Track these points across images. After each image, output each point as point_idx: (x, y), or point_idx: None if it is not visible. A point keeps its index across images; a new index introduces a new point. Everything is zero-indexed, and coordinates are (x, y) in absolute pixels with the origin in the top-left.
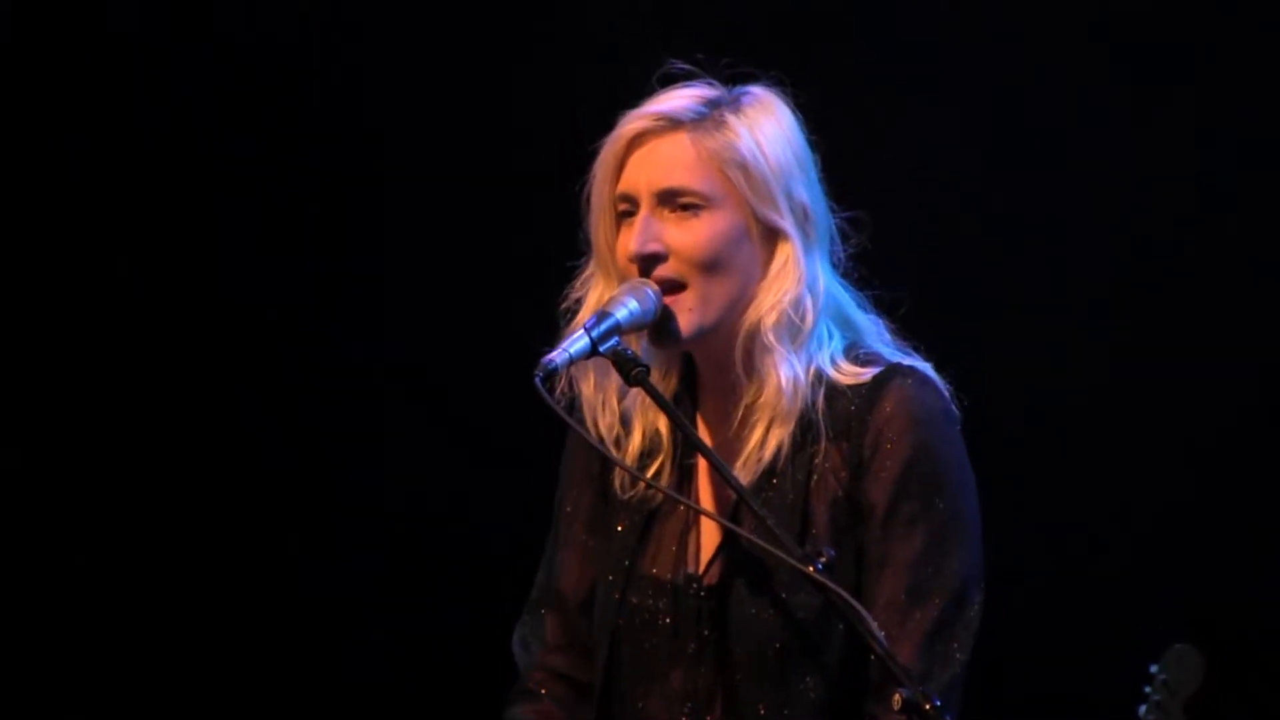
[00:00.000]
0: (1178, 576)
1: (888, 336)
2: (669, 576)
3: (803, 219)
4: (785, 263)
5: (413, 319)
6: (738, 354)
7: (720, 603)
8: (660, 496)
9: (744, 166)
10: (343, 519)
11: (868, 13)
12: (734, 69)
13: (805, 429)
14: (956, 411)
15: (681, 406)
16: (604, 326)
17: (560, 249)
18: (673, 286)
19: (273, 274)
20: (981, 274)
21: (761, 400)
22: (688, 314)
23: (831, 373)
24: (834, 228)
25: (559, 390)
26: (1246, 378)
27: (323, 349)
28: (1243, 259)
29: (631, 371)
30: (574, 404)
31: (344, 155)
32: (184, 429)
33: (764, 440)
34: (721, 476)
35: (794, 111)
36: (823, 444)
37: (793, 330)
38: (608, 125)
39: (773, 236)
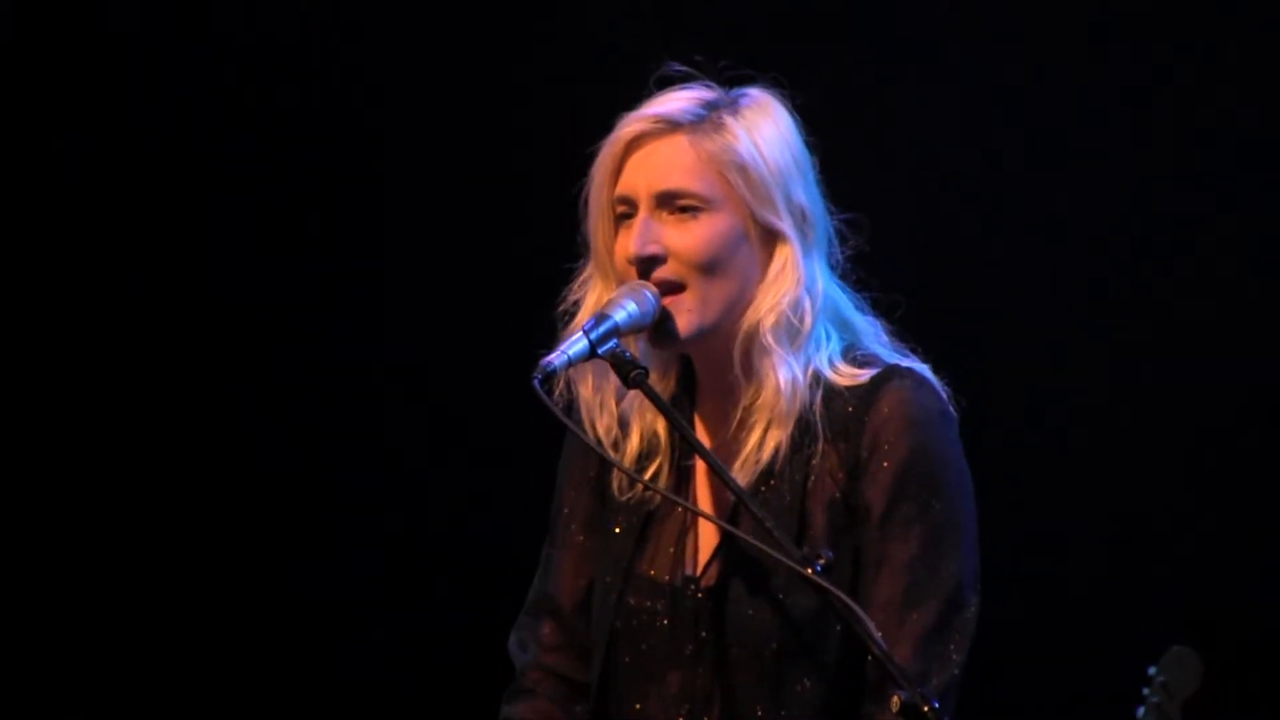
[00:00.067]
0: (1178, 577)
1: (885, 338)
2: (666, 578)
3: (801, 221)
4: (784, 265)
5: (413, 319)
6: (736, 355)
7: (718, 604)
8: (658, 498)
9: (743, 168)
10: (343, 519)
11: (868, 13)
12: (731, 71)
13: (803, 430)
14: (954, 412)
15: (679, 408)
16: (602, 329)
17: (560, 249)
18: (672, 288)
19: (273, 274)
20: (981, 274)
21: (760, 402)
22: (686, 314)
23: (829, 374)
24: (832, 229)
25: (557, 392)
26: (1246, 378)
27: (323, 349)
28: (1243, 259)
29: (630, 374)
30: (572, 406)
31: (344, 155)
32: (184, 429)
33: (762, 442)
34: (720, 478)
35: (791, 113)
36: (820, 445)
37: (791, 332)
38: (607, 125)
39: (771, 238)
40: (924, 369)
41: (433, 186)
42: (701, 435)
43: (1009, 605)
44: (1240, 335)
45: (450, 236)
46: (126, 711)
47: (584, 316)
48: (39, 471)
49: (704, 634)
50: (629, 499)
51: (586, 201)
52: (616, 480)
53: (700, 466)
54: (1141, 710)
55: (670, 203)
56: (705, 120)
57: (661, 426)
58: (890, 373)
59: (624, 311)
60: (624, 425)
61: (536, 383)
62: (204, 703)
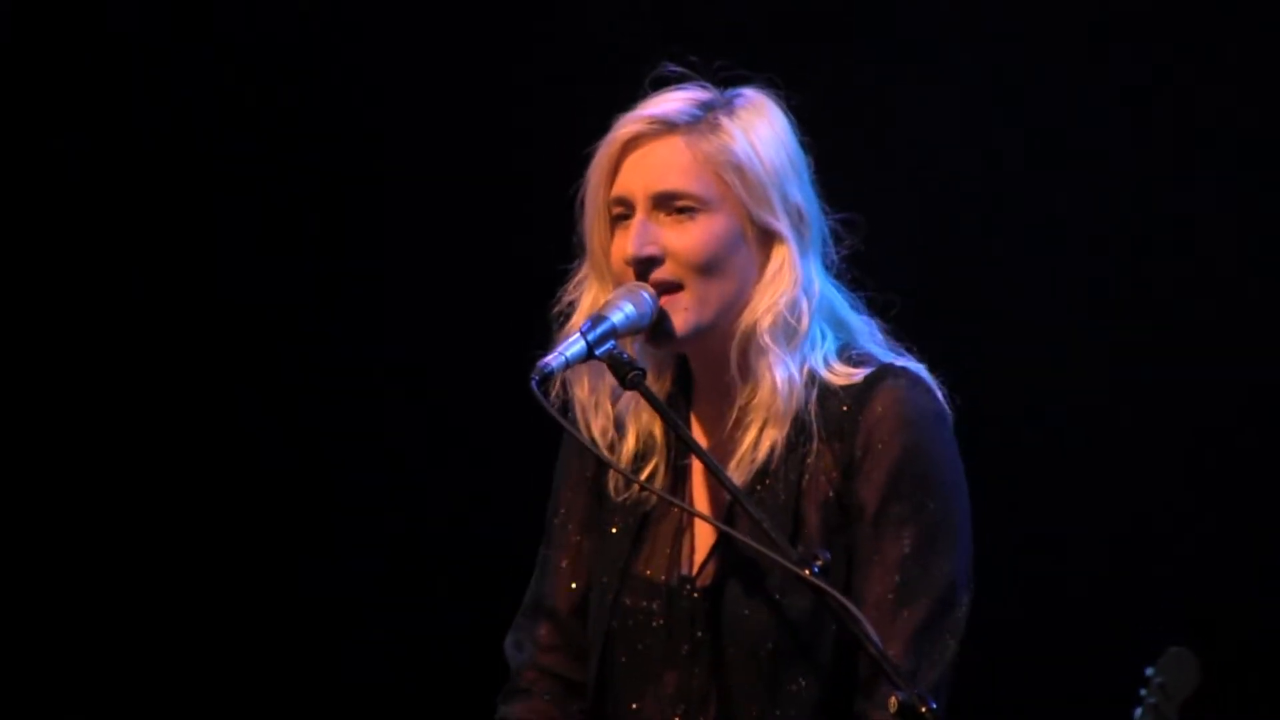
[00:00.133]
0: (1178, 577)
1: (880, 337)
2: (663, 578)
3: (798, 221)
4: (781, 265)
5: (413, 319)
6: (733, 355)
7: (713, 604)
8: (654, 499)
9: (740, 169)
10: (343, 519)
11: (868, 13)
12: (726, 71)
13: (798, 430)
14: (948, 411)
15: (676, 408)
16: (600, 330)
17: (560, 249)
18: (669, 288)
19: (273, 274)
20: (981, 274)
21: (756, 401)
22: (683, 313)
23: (824, 374)
24: (826, 229)
25: (553, 393)
26: (1246, 378)
27: (323, 349)
28: (1243, 259)
29: (628, 375)
30: (567, 407)
31: (344, 155)
32: (184, 429)
33: (757, 441)
34: (716, 478)
35: (786, 113)
36: (815, 445)
37: (788, 332)
38: (607, 125)
39: (768, 239)
40: (919, 368)
41: (433, 186)
42: (698, 435)
43: (1009, 605)
44: (1240, 335)
45: (450, 236)
46: (126, 711)
47: (580, 318)
48: (39, 471)
49: (700, 634)
50: (625, 500)
51: (582, 203)
52: (613, 481)
53: (697, 467)
54: (1139, 711)
55: (667, 204)
56: (701, 121)
57: (658, 427)
58: (884, 372)
59: (621, 313)
60: (620, 426)
61: (534, 384)
62: (204, 703)
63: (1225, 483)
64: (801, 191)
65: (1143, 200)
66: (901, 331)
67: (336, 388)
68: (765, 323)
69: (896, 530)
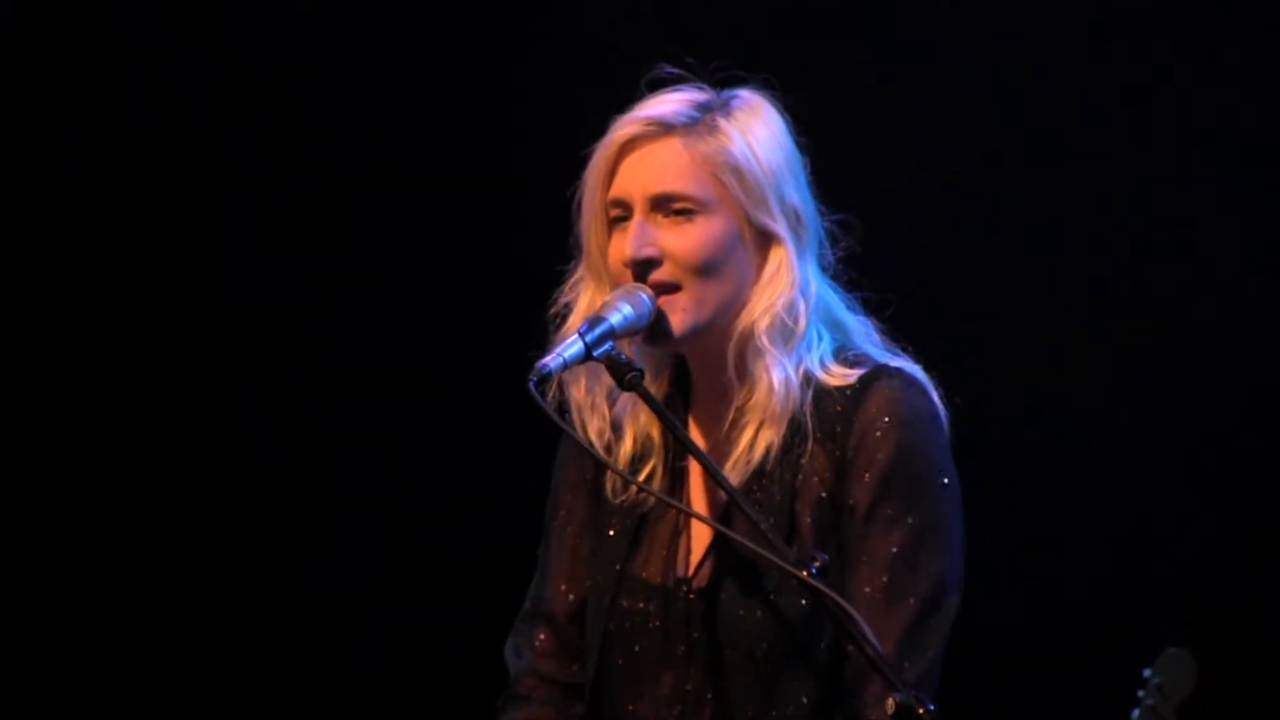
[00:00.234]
0: (1178, 577)
1: (876, 337)
2: (659, 579)
3: (795, 222)
4: (779, 266)
5: (413, 319)
6: (730, 356)
7: (710, 605)
8: (652, 500)
9: (737, 170)
10: (343, 519)
11: (868, 13)
12: (723, 72)
13: (794, 431)
14: (943, 412)
15: (673, 409)
16: (598, 331)
17: (560, 249)
18: (667, 288)
19: (273, 274)
20: (981, 274)
21: (752, 402)
22: (681, 313)
23: (820, 374)
24: (822, 230)
25: (550, 395)
26: (1246, 378)
27: (323, 349)
28: (1243, 259)
29: (625, 376)
30: (564, 408)
31: (344, 155)
32: (184, 429)
33: (754, 442)
34: (714, 480)
35: (782, 114)
36: (809, 445)
37: (785, 333)
38: (607, 126)
39: (766, 240)
40: (914, 369)
41: (433, 186)
42: (695, 436)
43: (1009, 605)
44: (1240, 335)
45: (450, 236)
46: (126, 711)
47: (577, 319)
48: (39, 471)
49: (696, 635)
50: (623, 501)
51: (579, 204)
52: (610, 483)
53: (694, 468)
54: (1136, 712)
55: (665, 205)
56: (698, 122)
57: (655, 429)
58: (879, 372)
59: (619, 314)
60: (617, 428)
61: (532, 385)
62: (204, 703)
63: (1225, 483)
64: (798, 192)
65: (1143, 200)
66: (901, 332)
67: (336, 388)
68: (763, 324)
69: (886, 530)
